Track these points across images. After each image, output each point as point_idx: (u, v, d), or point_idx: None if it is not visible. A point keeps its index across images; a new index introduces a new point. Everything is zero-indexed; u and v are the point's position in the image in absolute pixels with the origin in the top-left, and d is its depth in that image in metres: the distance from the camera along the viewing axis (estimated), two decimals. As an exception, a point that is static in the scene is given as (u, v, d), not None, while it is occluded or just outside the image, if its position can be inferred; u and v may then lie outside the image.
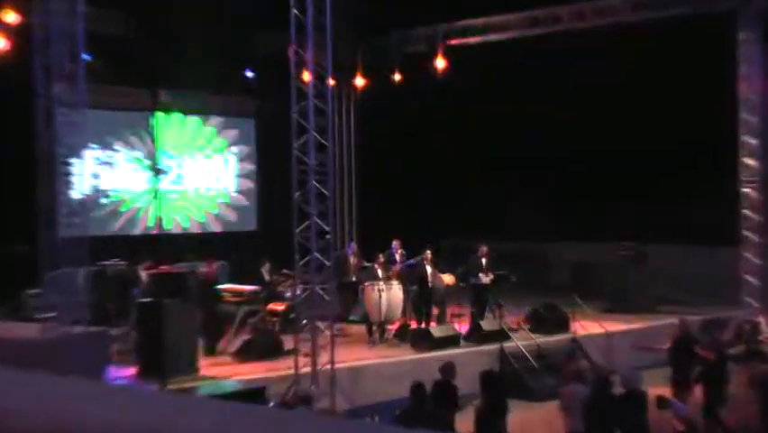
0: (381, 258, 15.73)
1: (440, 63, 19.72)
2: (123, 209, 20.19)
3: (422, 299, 15.51)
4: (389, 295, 14.90)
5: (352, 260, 17.10)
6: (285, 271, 15.64)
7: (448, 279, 16.01)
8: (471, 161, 22.11)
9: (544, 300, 16.26)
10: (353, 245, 18.03)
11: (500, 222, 20.81)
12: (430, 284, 15.44)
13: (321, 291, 11.94)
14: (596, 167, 20.29)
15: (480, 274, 15.59)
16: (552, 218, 20.42)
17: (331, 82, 12.50)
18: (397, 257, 16.56)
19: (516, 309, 15.89)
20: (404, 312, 15.46)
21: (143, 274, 14.84)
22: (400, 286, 15.23)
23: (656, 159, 19.19)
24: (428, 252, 15.50)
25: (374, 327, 14.98)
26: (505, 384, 11.10)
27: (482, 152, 21.73)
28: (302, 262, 11.83)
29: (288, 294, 15.58)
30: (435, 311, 15.91)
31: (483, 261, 15.75)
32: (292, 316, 14.02)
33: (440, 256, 16.85)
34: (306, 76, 11.93)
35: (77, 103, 11.42)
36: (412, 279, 15.64)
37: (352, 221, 22.49)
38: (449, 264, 16.71)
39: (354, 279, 16.82)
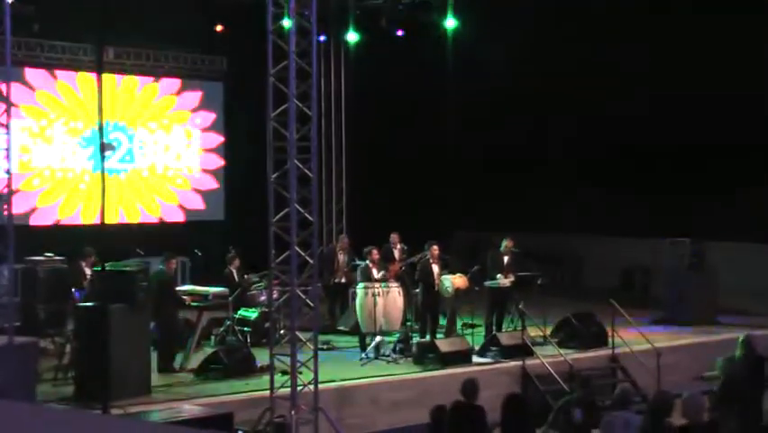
0: (377, 254, 15.67)
1: (450, 23, 19.52)
2: (58, 192, 20.12)
3: (427, 304, 15.50)
4: (387, 300, 14.87)
5: (342, 257, 17.12)
6: (258, 272, 15.62)
7: (459, 280, 15.92)
8: (490, 136, 21.99)
9: (578, 308, 16.24)
10: (343, 239, 18.04)
11: (525, 211, 20.76)
12: (436, 287, 15.42)
13: (303, 295, 11.88)
14: (644, 146, 20.16)
15: (499, 275, 15.57)
16: (588, 209, 20.35)
17: (320, 38, 12.38)
18: (397, 253, 16.59)
19: (542, 319, 15.83)
20: (404, 321, 15.43)
21: (88, 271, 14.73)
22: (400, 289, 15.20)
23: (715, 141, 19.03)
24: (435, 247, 15.47)
25: (368, 340, 14.96)
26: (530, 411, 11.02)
27: (504, 126, 21.59)
28: (279, 259, 11.75)
29: (263, 298, 15.60)
30: (443, 320, 15.89)
31: (506, 259, 15.70)
32: (267, 325, 13.96)
33: (450, 252, 16.81)
34: (287, 28, 11.88)
35: (1, 59, 11.32)
36: (415, 280, 15.62)
37: (342, 209, 22.45)
38: (461, 262, 16.65)
39: (344, 280, 16.89)
